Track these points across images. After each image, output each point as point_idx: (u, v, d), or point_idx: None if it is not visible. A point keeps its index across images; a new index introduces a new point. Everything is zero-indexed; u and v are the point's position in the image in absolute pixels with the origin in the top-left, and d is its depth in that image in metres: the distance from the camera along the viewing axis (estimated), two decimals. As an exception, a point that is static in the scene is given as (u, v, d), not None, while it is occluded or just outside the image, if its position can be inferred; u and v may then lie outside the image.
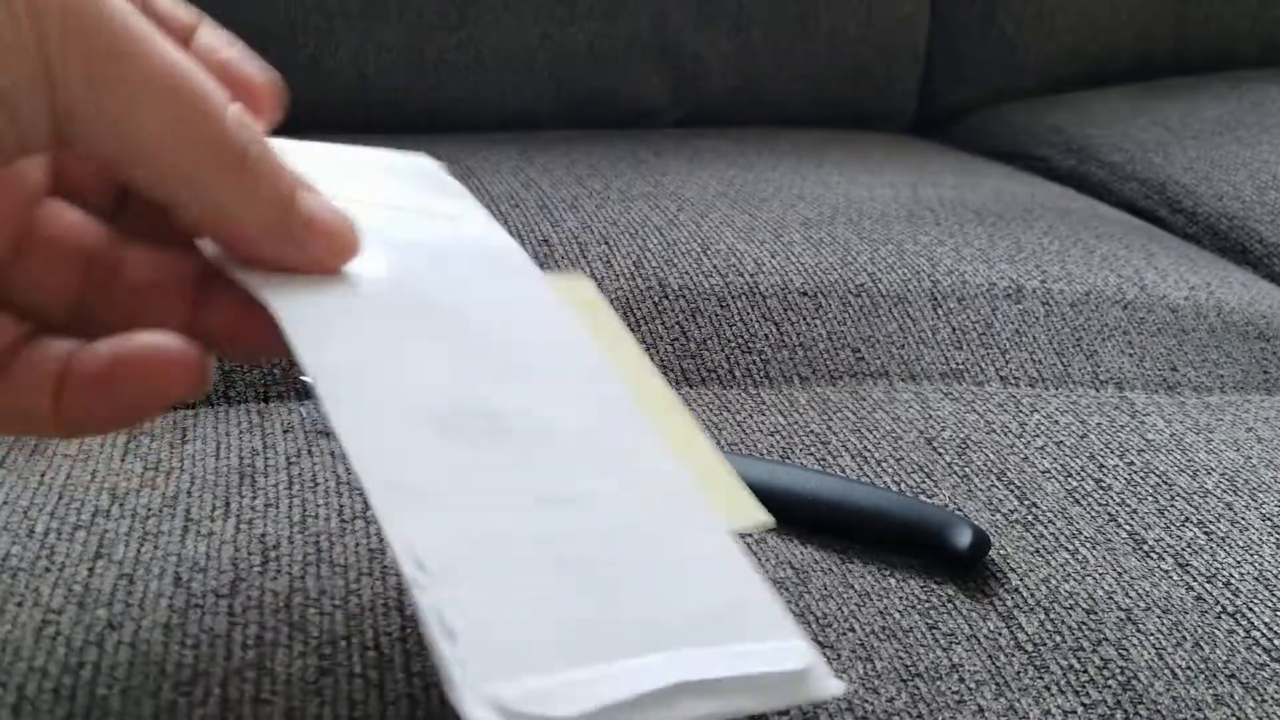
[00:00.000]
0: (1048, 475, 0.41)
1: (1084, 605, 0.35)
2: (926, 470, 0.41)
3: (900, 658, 0.32)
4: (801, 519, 0.37)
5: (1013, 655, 0.32)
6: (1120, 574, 0.36)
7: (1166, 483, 0.42)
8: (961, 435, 0.44)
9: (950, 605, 0.34)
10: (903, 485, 0.40)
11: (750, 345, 0.52)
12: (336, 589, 0.32)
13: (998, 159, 0.92)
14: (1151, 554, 0.38)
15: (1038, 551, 0.37)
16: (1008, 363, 0.52)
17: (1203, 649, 0.34)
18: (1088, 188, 0.84)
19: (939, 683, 0.31)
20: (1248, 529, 0.39)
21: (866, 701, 0.30)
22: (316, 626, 0.31)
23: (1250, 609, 0.36)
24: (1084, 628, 0.34)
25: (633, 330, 0.51)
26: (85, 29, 0.24)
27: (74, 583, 0.32)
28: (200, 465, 0.38)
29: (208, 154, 0.25)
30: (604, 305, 0.32)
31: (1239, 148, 0.82)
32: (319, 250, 0.28)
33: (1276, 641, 0.34)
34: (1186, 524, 0.39)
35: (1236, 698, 0.32)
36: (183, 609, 0.31)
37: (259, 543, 0.34)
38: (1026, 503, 0.40)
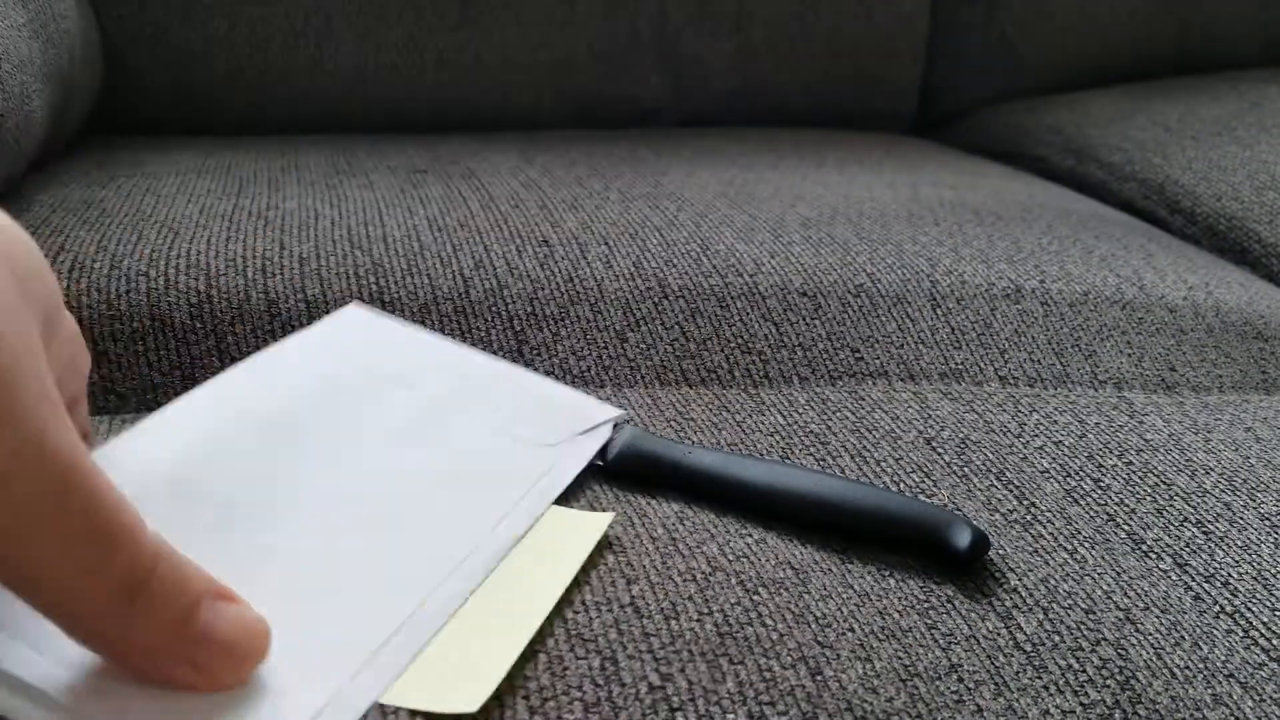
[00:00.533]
0: (1046, 475, 0.42)
1: (1083, 605, 0.35)
2: (925, 470, 0.41)
3: (899, 657, 0.32)
4: (802, 518, 0.37)
5: (1012, 655, 0.33)
6: (1119, 574, 0.36)
7: (1165, 482, 0.42)
8: (960, 435, 0.44)
9: (949, 605, 0.34)
10: (902, 485, 0.40)
11: (750, 345, 0.52)
12: (337, 590, 0.32)
13: (997, 159, 0.92)
14: (1150, 553, 0.38)
15: (1036, 551, 0.37)
16: (1006, 363, 0.52)
17: (1201, 648, 0.34)
18: (1087, 188, 0.85)
19: (938, 682, 0.31)
20: (1246, 528, 0.39)
21: (866, 701, 0.30)
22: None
23: (1249, 608, 0.36)
24: (1083, 627, 0.34)
25: (632, 330, 0.51)
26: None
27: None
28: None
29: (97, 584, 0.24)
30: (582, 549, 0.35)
31: (1238, 148, 0.82)
32: (213, 667, 0.26)
33: (1275, 641, 0.34)
34: (1185, 523, 0.39)
35: (1235, 697, 0.32)
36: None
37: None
38: (1025, 502, 0.40)
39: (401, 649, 0.29)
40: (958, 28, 1.03)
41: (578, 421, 0.40)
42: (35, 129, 0.61)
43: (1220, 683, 0.33)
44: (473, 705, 0.28)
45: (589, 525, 0.35)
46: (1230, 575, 0.37)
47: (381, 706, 0.28)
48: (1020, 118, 0.98)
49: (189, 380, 0.47)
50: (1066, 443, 0.44)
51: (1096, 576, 0.36)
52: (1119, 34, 1.05)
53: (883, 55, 0.99)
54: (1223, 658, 0.33)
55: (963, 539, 0.35)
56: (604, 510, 0.36)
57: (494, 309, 0.52)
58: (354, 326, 0.42)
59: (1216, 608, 0.36)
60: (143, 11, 0.83)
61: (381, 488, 0.35)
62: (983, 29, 1.03)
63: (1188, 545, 0.38)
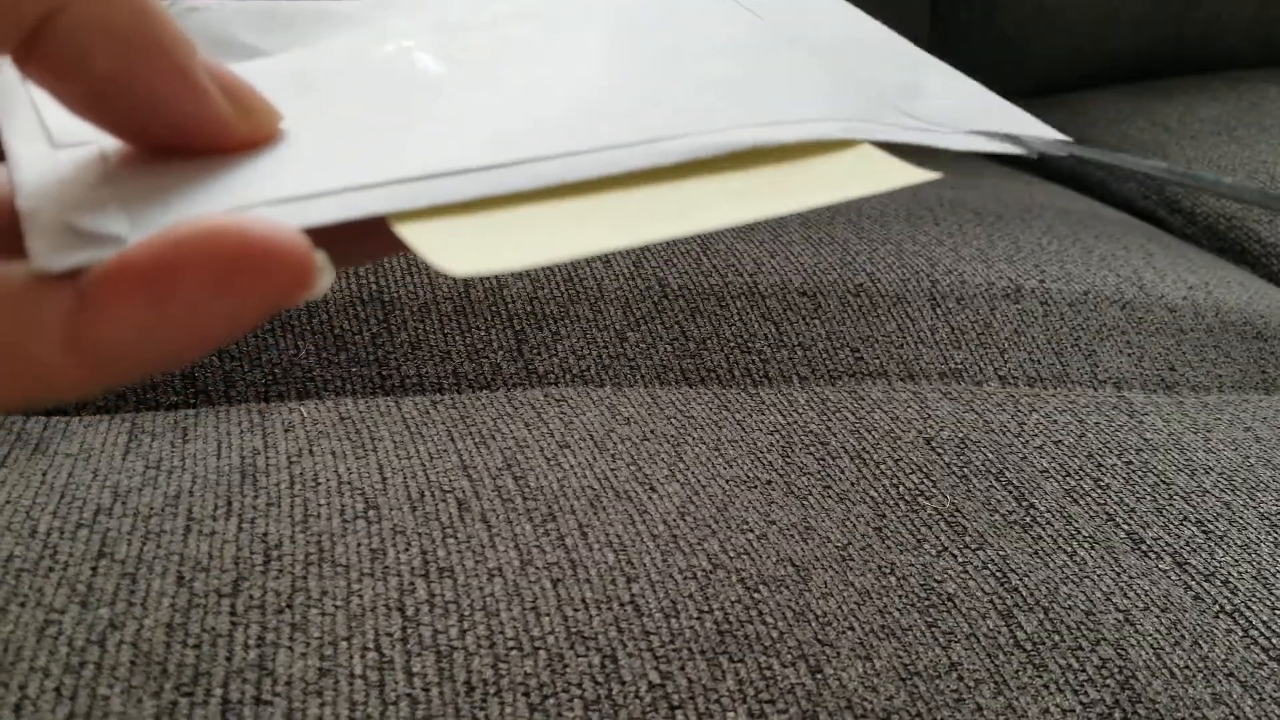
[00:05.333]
0: (1046, 474, 0.42)
1: (1082, 605, 0.35)
2: (925, 470, 0.41)
3: (899, 656, 0.32)
4: None
5: (1012, 654, 0.33)
6: (1119, 573, 0.36)
7: (1165, 482, 0.42)
8: (960, 435, 0.44)
9: (950, 604, 0.34)
10: (901, 486, 0.40)
11: (749, 345, 0.52)
12: (338, 589, 0.32)
13: (997, 159, 0.92)
14: (1150, 553, 0.38)
15: (1036, 553, 0.37)
16: (1006, 362, 0.52)
17: (1201, 648, 0.34)
18: (1086, 187, 0.85)
19: (938, 681, 0.31)
20: (1246, 528, 0.39)
21: (866, 700, 0.30)
22: (318, 626, 0.31)
23: (1249, 608, 0.36)
24: (1082, 627, 0.34)
25: (632, 330, 0.51)
26: None
27: (77, 582, 0.32)
28: (202, 464, 0.39)
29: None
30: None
31: (1237, 148, 0.82)
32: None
33: (1275, 640, 0.34)
34: (1185, 523, 0.39)
35: (1235, 696, 0.32)
36: (185, 608, 0.31)
37: (261, 542, 0.34)
38: (1025, 503, 0.40)
39: (468, 185, 0.23)
40: (957, 27, 1.03)
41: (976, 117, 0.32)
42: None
43: (1220, 682, 0.33)
44: (459, 267, 0.22)
45: (890, 171, 0.27)
46: (1230, 574, 0.37)
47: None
48: (1020, 118, 0.98)
49: (189, 380, 0.47)
50: (1066, 442, 0.44)
51: (1096, 577, 0.36)
52: (1119, 34, 1.05)
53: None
54: (1223, 657, 0.34)
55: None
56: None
57: (494, 309, 0.52)
58: None
59: (1216, 607, 0.36)
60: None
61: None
62: (982, 29, 1.03)
63: (1187, 544, 0.38)
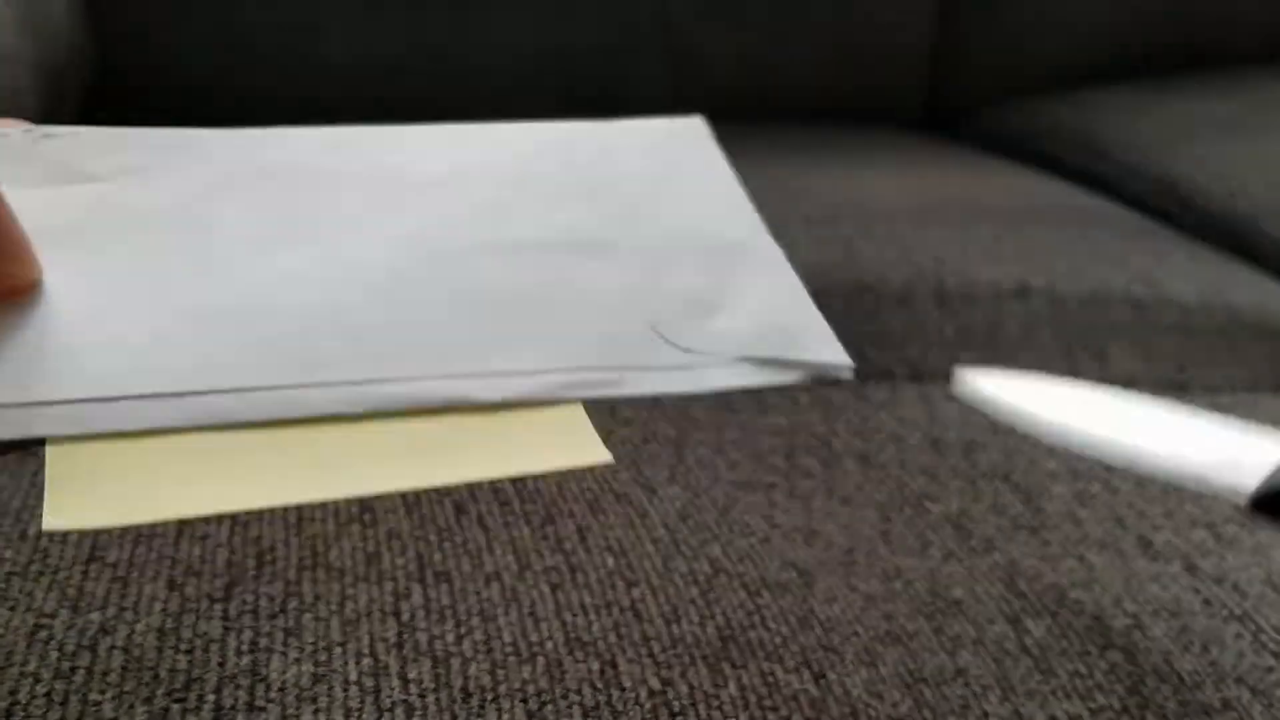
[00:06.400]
0: (1054, 477, 0.41)
1: (1091, 610, 0.34)
2: (931, 473, 0.41)
3: (905, 662, 0.31)
4: None
5: (1019, 659, 0.32)
6: (1128, 577, 0.36)
7: (1175, 485, 0.41)
8: (967, 437, 0.43)
9: (956, 609, 0.34)
10: (905, 490, 0.40)
11: (754, 345, 0.51)
12: (332, 594, 0.32)
13: (1005, 156, 0.91)
14: (1159, 557, 0.37)
15: (1044, 557, 0.37)
16: (1014, 362, 0.52)
17: (1211, 653, 0.33)
18: (1097, 185, 0.84)
19: (944, 687, 0.31)
20: (1256, 531, 0.39)
21: (871, 707, 0.30)
22: (312, 632, 0.30)
23: (1259, 612, 0.35)
24: (1091, 632, 0.33)
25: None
26: None
27: (67, 586, 0.32)
28: (197, 467, 0.38)
29: None
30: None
31: (1250, 146, 0.81)
32: None
33: (1287, 646, 0.34)
34: (1195, 526, 0.39)
35: (1244, 701, 0.32)
36: (177, 613, 0.31)
37: (254, 546, 0.34)
38: (1033, 506, 0.39)
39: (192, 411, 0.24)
40: (965, 23, 1.02)
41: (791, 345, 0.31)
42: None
43: (1229, 687, 0.32)
44: (53, 524, 0.24)
45: (575, 444, 0.28)
46: (1240, 579, 0.37)
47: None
48: (1029, 114, 0.97)
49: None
50: (1075, 444, 0.44)
51: (1105, 581, 0.36)
52: (1127, 30, 1.05)
53: (888, 51, 0.99)
54: (1232, 662, 0.33)
55: None
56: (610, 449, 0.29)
57: (495, 307, 0.51)
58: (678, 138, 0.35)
59: (1226, 611, 0.35)
60: (133, 7, 0.83)
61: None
62: (990, 25, 1.02)
63: (1198, 548, 0.38)
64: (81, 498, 0.22)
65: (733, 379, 0.28)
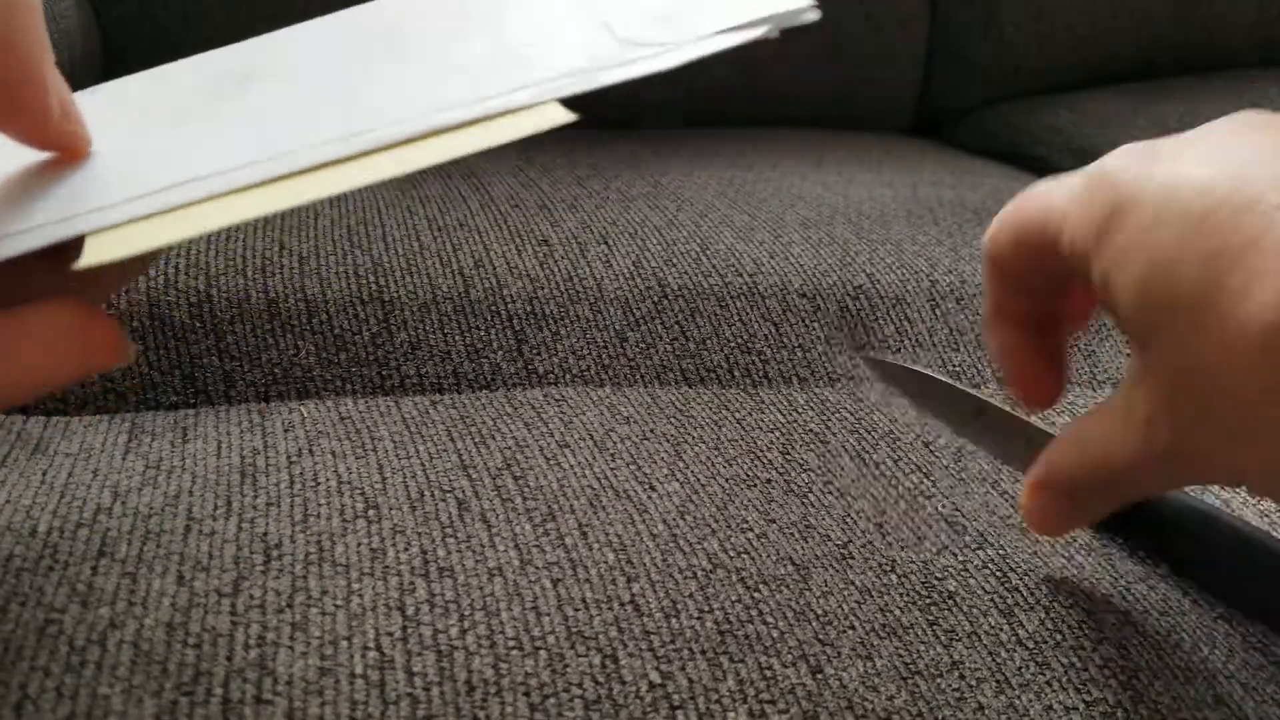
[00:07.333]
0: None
1: (1084, 605, 0.35)
2: (924, 471, 0.41)
3: (901, 655, 0.32)
4: None
5: (1014, 651, 0.33)
6: (1119, 575, 0.36)
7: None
8: (959, 438, 0.44)
9: (951, 602, 0.34)
10: (900, 486, 0.40)
11: (749, 345, 0.52)
12: (338, 588, 0.32)
13: (997, 159, 0.92)
14: (1150, 555, 0.38)
15: (1036, 554, 0.37)
16: (1007, 362, 0.52)
17: (1202, 649, 0.34)
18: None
19: (939, 680, 0.31)
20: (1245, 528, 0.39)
21: (867, 699, 0.30)
22: (318, 626, 0.31)
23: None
24: (1084, 627, 0.34)
25: (632, 330, 0.51)
26: None
27: (77, 581, 0.32)
28: (201, 464, 0.38)
29: None
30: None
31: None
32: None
33: (1273, 643, 0.34)
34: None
35: (1236, 698, 0.32)
36: (185, 608, 0.31)
37: (261, 541, 0.34)
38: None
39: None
40: (957, 27, 1.03)
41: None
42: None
43: (1221, 683, 0.33)
44: (88, 260, 0.26)
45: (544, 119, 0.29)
46: (1231, 574, 0.37)
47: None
48: (1020, 118, 0.98)
49: (189, 380, 0.47)
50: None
51: (1096, 578, 0.36)
52: (1119, 34, 1.05)
53: (882, 55, 0.99)
54: (1223, 659, 0.33)
55: None
56: None
57: (494, 308, 0.52)
58: None
59: (1216, 611, 0.35)
60: (142, 10, 0.83)
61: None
62: (982, 29, 1.03)
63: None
64: (107, 240, 0.26)
65: (702, 48, 0.30)
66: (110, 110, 0.32)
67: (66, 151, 0.30)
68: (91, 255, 0.25)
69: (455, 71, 0.30)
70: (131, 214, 0.27)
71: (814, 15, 0.31)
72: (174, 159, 0.29)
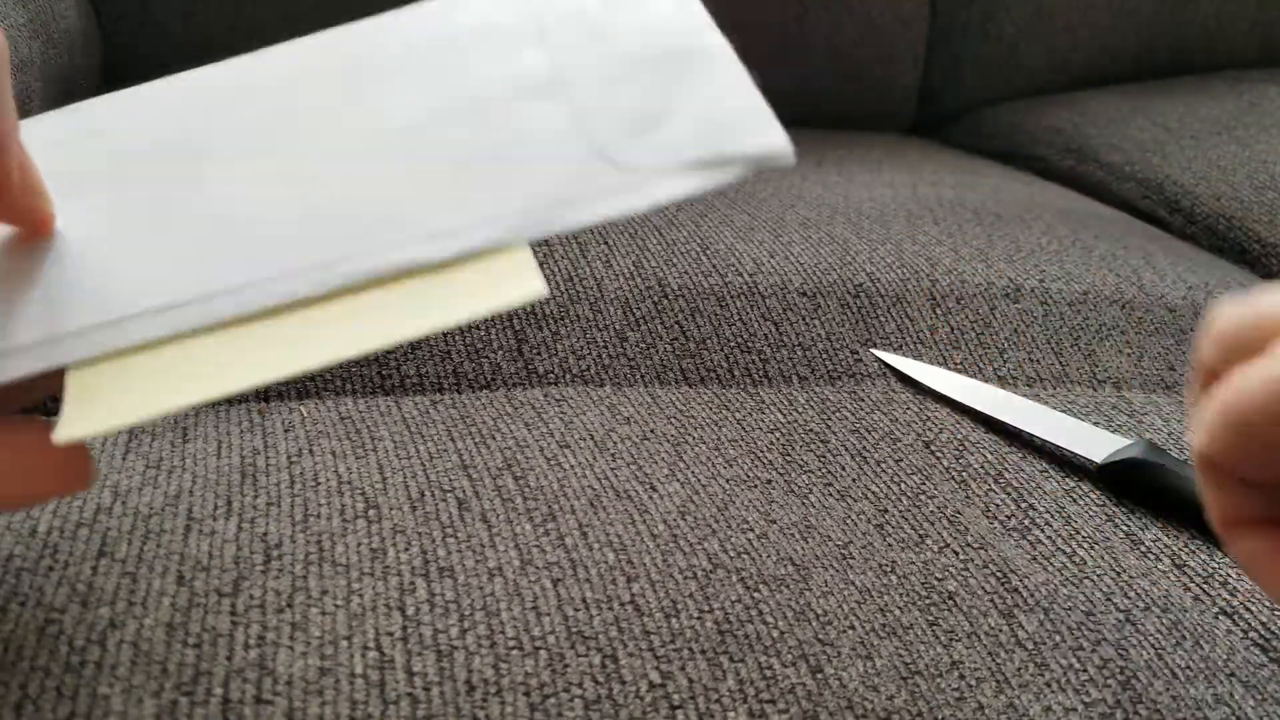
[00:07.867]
0: (1045, 475, 0.42)
1: (1083, 606, 0.35)
2: (924, 472, 0.41)
3: (900, 655, 0.32)
4: None
5: (1013, 651, 0.33)
6: (1119, 574, 0.36)
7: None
8: (959, 436, 0.44)
9: (950, 602, 0.34)
10: (901, 486, 0.40)
11: (749, 345, 0.52)
12: (338, 588, 0.32)
13: (996, 159, 0.92)
14: (1149, 554, 0.38)
15: (1035, 556, 0.37)
16: (1005, 362, 0.52)
17: (1202, 648, 0.34)
18: (1086, 188, 0.84)
19: (939, 680, 0.31)
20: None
21: (866, 699, 0.30)
22: (318, 626, 0.31)
23: (1248, 608, 0.36)
24: (1083, 627, 0.34)
25: (632, 330, 0.51)
26: None
27: (77, 581, 0.32)
28: (202, 464, 0.38)
29: None
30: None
31: (1237, 148, 0.82)
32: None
33: (1274, 640, 0.34)
34: (1184, 523, 0.39)
35: (1236, 697, 0.32)
36: (185, 608, 0.31)
37: (261, 541, 0.34)
38: (1024, 505, 0.40)
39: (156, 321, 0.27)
40: (957, 27, 1.03)
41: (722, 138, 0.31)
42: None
43: (1221, 682, 0.33)
44: (67, 433, 0.25)
45: (513, 282, 0.27)
46: (1229, 575, 0.37)
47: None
48: (1020, 118, 0.98)
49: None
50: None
51: (1096, 578, 0.36)
52: (1118, 34, 1.05)
53: (882, 55, 0.99)
54: (1223, 657, 0.34)
55: None
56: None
57: (494, 308, 0.52)
58: None
59: (1216, 608, 0.36)
60: (143, 11, 0.83)
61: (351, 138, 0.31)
62: (982, 29, 1.03)
63: (1186, 545, 0.38)
64: (88, 408, 0.25)
65: (676, 189, 0.29)
66: (68, 163, 0.31)
67: (29, 227, 0.29)
68: (69, 429, 0.24)
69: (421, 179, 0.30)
70: (107, 345, 0.26)
71: (790, 161, 0.30)
72: (145, 272, 0.28)
